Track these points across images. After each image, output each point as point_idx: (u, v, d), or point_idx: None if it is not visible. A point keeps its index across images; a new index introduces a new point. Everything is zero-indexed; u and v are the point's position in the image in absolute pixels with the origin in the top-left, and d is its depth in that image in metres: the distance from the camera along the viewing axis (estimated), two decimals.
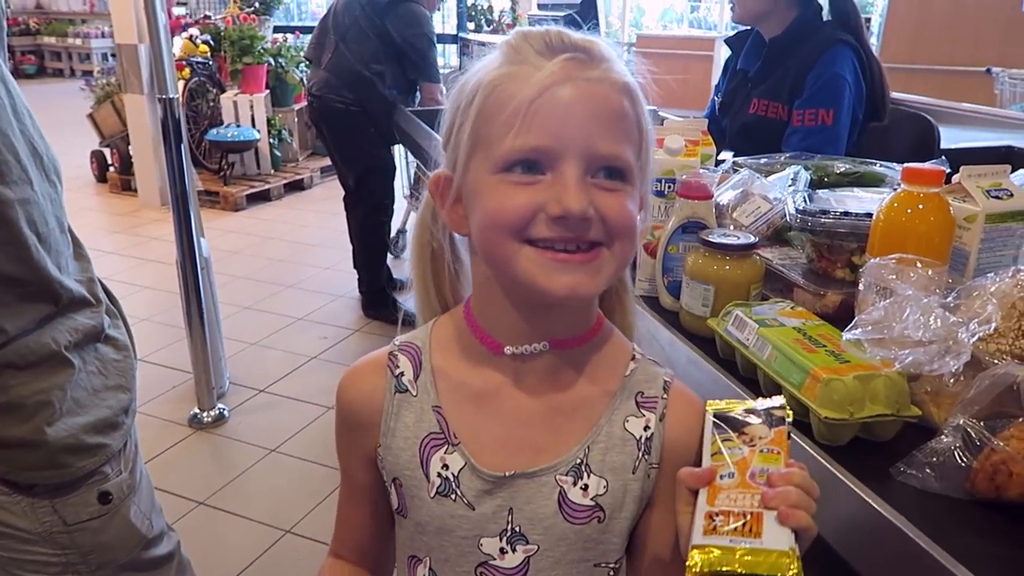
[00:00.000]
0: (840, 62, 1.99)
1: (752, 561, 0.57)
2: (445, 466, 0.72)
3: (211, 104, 5.67)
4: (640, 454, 0.73)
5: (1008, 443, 0.68)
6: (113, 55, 5.56)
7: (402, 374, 0.76)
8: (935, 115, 2.43)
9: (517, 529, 0.71)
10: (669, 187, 1.15)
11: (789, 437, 0.65)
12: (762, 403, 0.68)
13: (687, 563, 0.58)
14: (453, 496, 0.71)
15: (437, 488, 0.72)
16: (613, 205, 0.66)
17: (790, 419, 0.66)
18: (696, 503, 0.63)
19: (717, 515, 0.60)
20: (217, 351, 2.89)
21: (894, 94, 2.18)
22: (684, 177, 1.11)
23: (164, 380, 3.05)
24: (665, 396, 0.75)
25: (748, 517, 0.59)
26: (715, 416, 0.68)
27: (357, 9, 3.36)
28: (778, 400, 0.68)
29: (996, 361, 0.73)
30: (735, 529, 0.59)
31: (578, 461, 0.71)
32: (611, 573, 0.74)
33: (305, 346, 3.32)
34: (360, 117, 3.37)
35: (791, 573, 0.56)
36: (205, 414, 2.78)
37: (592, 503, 0.71)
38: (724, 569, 0.57)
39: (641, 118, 0.70)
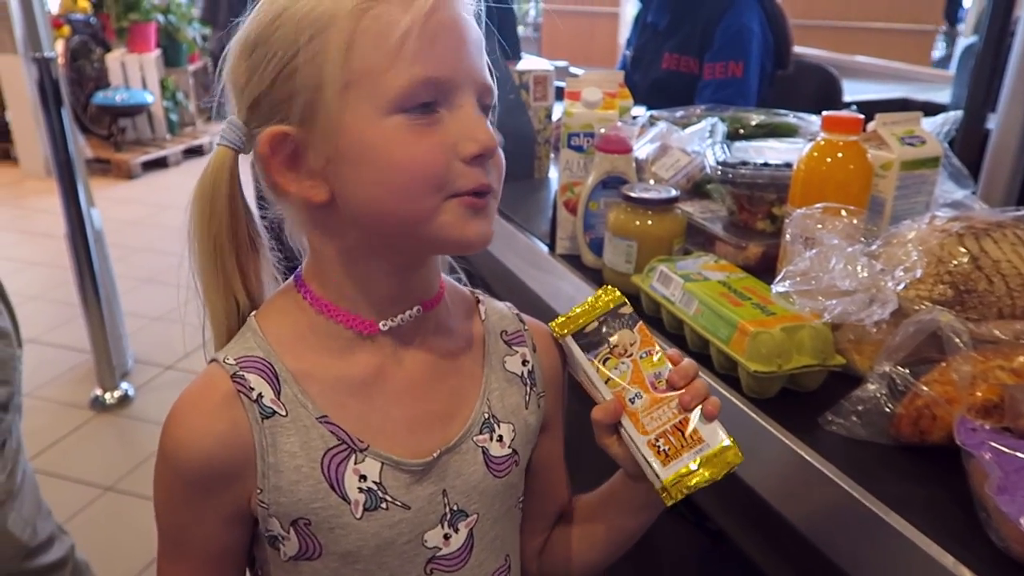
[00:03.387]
0: (747, 14, 2.00)
1: (711, 467, 0.62)
2: (362, 477, 0.63)
3: (96, 65, 5.29)
4: (528, 388, 0.73)
5: (931, 387, 0.68)
6: None
7: (260, 396, 0.61)
8: (835, 68, 2.49)
9: (455, 507, 0.67)
10: (588, 141, 1.12)
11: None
12: (600, 304, 0.70)
13: (665, 501, 0.63)
14: (384, 504, 0.63)
15: (364, 505, 0.62)
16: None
17: (632, 309, 0.70)
18: (625, 437, 0.65)
19: (658, 440, 0.64)
20: (117, 328, 2.73)
21: (795, 48, 2.22)
22: (603, 131, 1.08)
23: (60, 361, 2.87)
24: (526, 328, 0.76)
25: (681, 427, 0.64)
26: (574, 338, 0.69)
27: None
28: (612, 294, 0.70)
29: (917, 307, 0.73)
30: (681, 446, 0.63)
31: (485, 415, 0.69)
32: (519, 505, 0.75)
33: None
34: None
35: (740, 459, 0.63)
36: (108, 395, 2.63)
37: (510, 450, 0.70)
38: (695, 488, 0.62)
39: None
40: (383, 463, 0.63)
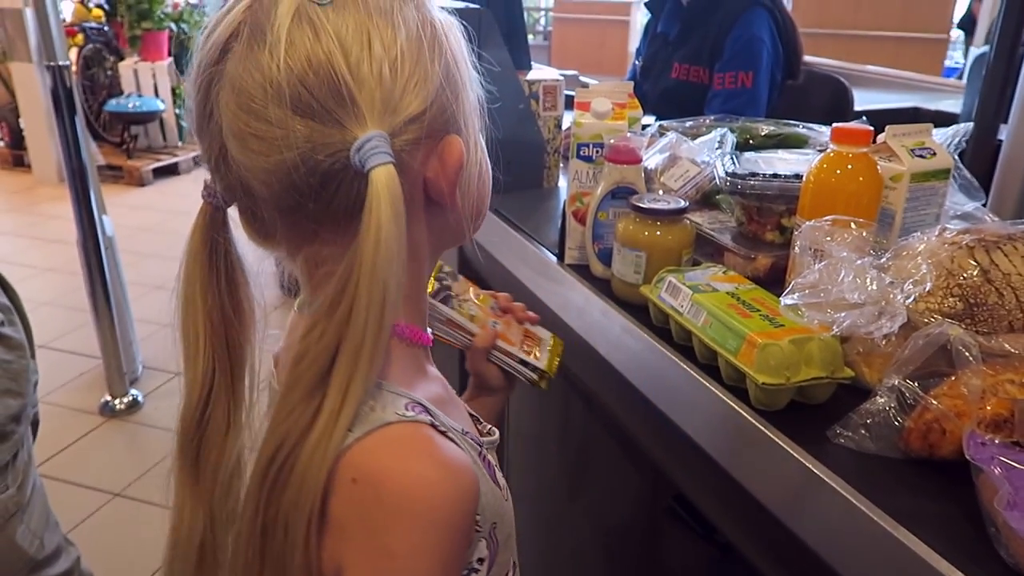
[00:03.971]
0: (757, 24, 2.00)
1: (555, 354, 0.91)
2: (493, 465, 0.65)
3: (109, 73, 5.34)
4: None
5: (940, 401, 0.68)
6: None
7: (449, 429, 0.58)
8: (845, 77, 2.49)
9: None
10: (597, 152, 1.12)
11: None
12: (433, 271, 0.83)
13: (543, 383, 0.87)
14: (503, 481, 0.65)
15: (507, 487, 0.65)
16: None
17: (449, 267, 0.90)
18: (499, 353, 0.85)
19: (524, 345, 0.88)
20: (127, 334, 2.74)
21: (806, 57, 2.22)
22: (612, 141, 1.08)
23: (71, 367, 2.88)
24: None
25: (527, 335, 0.91)
26: (431, 298, 0.83)
27: None
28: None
29: (926, 320, 0.73)
30: (535, 346, 0.90)
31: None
32: None
33: None
34: None
35: (559, 340, 0.94)
36: (117, 401, 2.65)
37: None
38: (558, 367, 0.90)
39: None
40: (488, 447, 0.67)
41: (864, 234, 0.76)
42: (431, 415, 0.57)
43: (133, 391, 2.69)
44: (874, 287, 0.69)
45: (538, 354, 0.88)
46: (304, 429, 0.51)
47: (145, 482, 2.27)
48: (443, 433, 0.56)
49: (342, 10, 0.52)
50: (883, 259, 0.75)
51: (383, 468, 0.52)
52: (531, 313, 0.91)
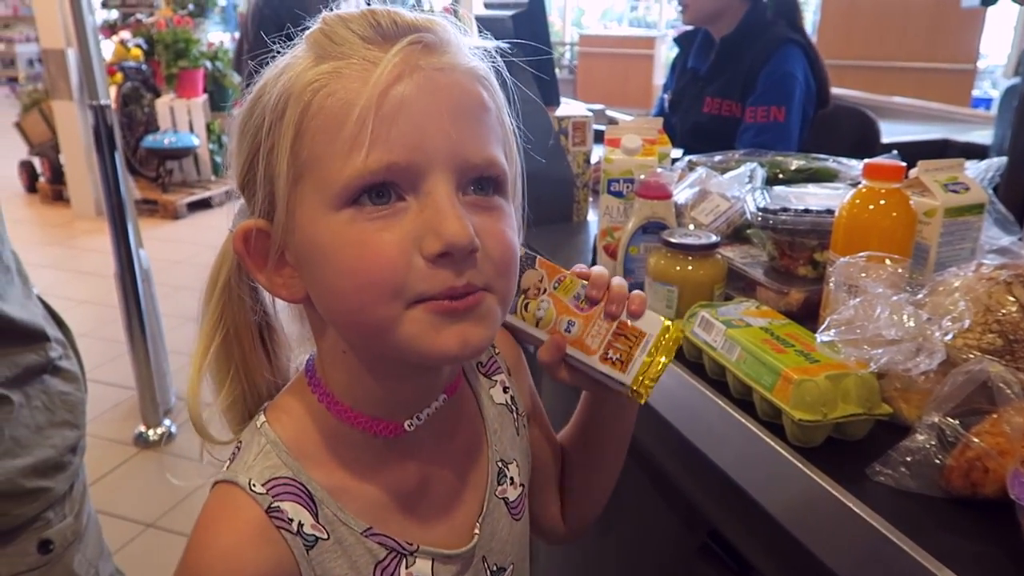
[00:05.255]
0: (791, 61, 2.02)
1: (662, 352, 0.65)
2: None
3: (146, 110, 5.50)
4: (515, 415, 0.72)
5: (982, 439, 0.67)
6: (39, 60, 5.35)
7: (301, 525, 0.54)
8: (871, 109, 2.49)
9: (495, 567, 0.66)
10: (627, 187, 1.14)
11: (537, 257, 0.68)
12: None
13: (639, 400, 0.65)
14: None
15: None
16: (493, 233, 0.53)
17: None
18: (577, 364, 0.65)
19: (608, 353, 0.65)
20: (161, 366, 2.78)
21: (832, 89, 2.23)
22: (643, 177, 1.09)
23: (106, 398, 2.93)
24: (496, 350, 0.72)
25: (621, 331, 0.65)
26: None
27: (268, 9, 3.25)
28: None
29: (965, 356, 0.72)
30: (629, 348, 0.65)
31: (498, 464, 0.68)
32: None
33: None
34: None
35: (677, 327, 0.66)
36: (151, 432, 2.68)
37: (521, 487, 0.70)
38: (658, 376, 0.65)
39: (502, 111, 0.56)
40: (433, 559, 0.60)
41: (899, 270, 0.76)
42: (295, 503, 0.54)
43: (166, 422, 2.73)
44: (911, 323, 0.69)
45: (623, 363, 0.65)
46: None
47: (177, 514, 2.29)
48: (280, 526, 0.54)
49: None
50: (919, 295, 0.75)
51: (200, 519, 0.55)
52: (633, 304, 0.64)
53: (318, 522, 0.55)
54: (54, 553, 0.90)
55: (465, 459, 0.66)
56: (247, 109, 0.54)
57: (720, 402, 0.88)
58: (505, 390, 0.72)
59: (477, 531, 0.64)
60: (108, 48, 5.42)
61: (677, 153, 1.45)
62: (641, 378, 0.64)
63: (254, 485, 0.54)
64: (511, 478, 0.69)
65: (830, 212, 0.97)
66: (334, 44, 0.51)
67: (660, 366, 0.64)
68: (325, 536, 0.55)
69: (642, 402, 0.66)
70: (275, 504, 0.54)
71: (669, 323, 0.66)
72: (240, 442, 0.59)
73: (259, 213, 0.54)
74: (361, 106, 0.48)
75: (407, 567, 0.59)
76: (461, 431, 0.67)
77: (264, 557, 0.53)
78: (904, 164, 0.87)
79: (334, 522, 0.56)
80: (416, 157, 0.49)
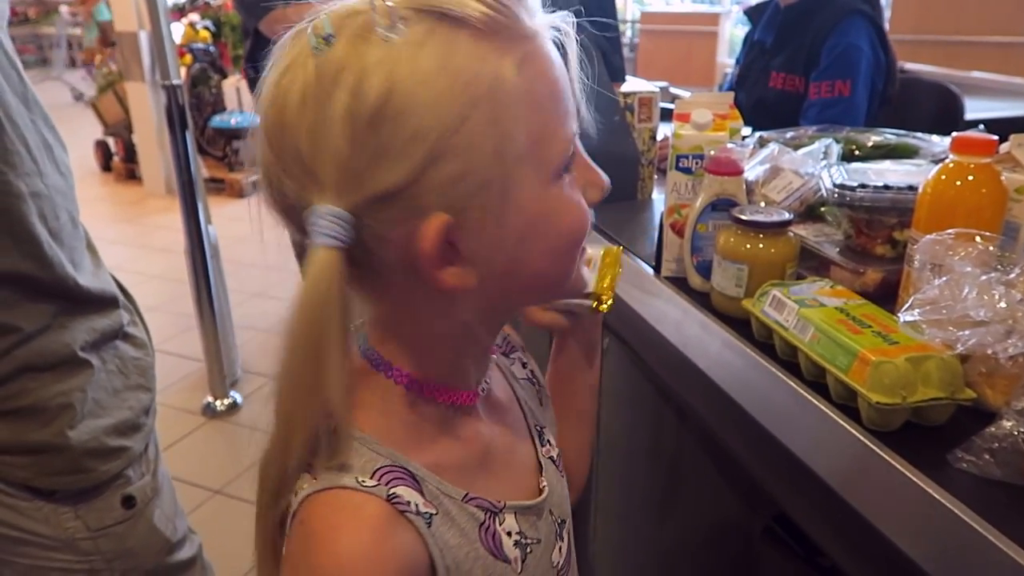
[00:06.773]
0: (855, 32, 1.94)
1: (609, 266, 0.76)
2: (508, 533, 0.61)
3: (213, 91, 5.62)
4: (536, 387, 0.77)
5: None
6: (114, 43, 5.52)
7: (417, 507, 0.55)
8: (954, 85, 2.37)
9: (560, 520, 0.69)
10: (697, 163, 1.11)
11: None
12: (609, 260, 0.78)
13: (601, 308, 0.75)
14: (530, 549, 0.63)
15: (520, 559, 0.61)
16: None
17: None
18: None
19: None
20: (228, 339, 2.87)
21: (908, 65, 2.13)
22: (713, 153, 1.06)
23: (176, 369, 3.03)
24: (506, 332, 0.78)
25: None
26: None
27: None
28: (606, 249, 0.79)
29: None
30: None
31: (537, 427, 0.72)
32: None
33: None
34: None
35: (613, 248, 0.76)
36: (218, 402, 2.77)
37: (557, 449, 0.73)
38: (614, 282, 0.75)
39: None
40: (516, 513, 0.63)
41: (989, 248, 0.72)
42: (405, 485, 0.55)
43: (233, 393, 2.81)
44: (1002, 304, 0.66)
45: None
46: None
47: (243, 481, 2.36)
48: (404, 510, 0.53)
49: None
50: (1012, 274, 0.71)
51: (316, 531, 0.52)
52: None
53: (426, 499, 0.56)
54: (136, 508, 0.95)
55: (514, 421, 0.71)
56: (401, 90, 0.47)
57: (791, 383, 0.85)
58: (524, 365, 0.78)
59: (544, 484, 0.68)
60: (178, 30, 5.56)
61: (747, 130, 1.41)
62: (600, 285, 0.75)
63: (363, 481, 0.53)
64: (548, 439, 0.73)
65: (912, 189, 0.93)
66: (498, 15, 0.48)
67: (612, 276, 0.76)
68: (435, 511, 0.56)
69: (604, 309, 0.75)
70: (391, 491, 0.54)
71: (604, 248, 0.77)
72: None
73: (439, 207, 0.49)
74: (560, 77, 0.53)
75: (500, 524, 0.61)
76: (503, 396, 0.72)
77: (402, 544, 0.53)
78: (996, 138, 0.83)
79: (438, 496, 0.57)
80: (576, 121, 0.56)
